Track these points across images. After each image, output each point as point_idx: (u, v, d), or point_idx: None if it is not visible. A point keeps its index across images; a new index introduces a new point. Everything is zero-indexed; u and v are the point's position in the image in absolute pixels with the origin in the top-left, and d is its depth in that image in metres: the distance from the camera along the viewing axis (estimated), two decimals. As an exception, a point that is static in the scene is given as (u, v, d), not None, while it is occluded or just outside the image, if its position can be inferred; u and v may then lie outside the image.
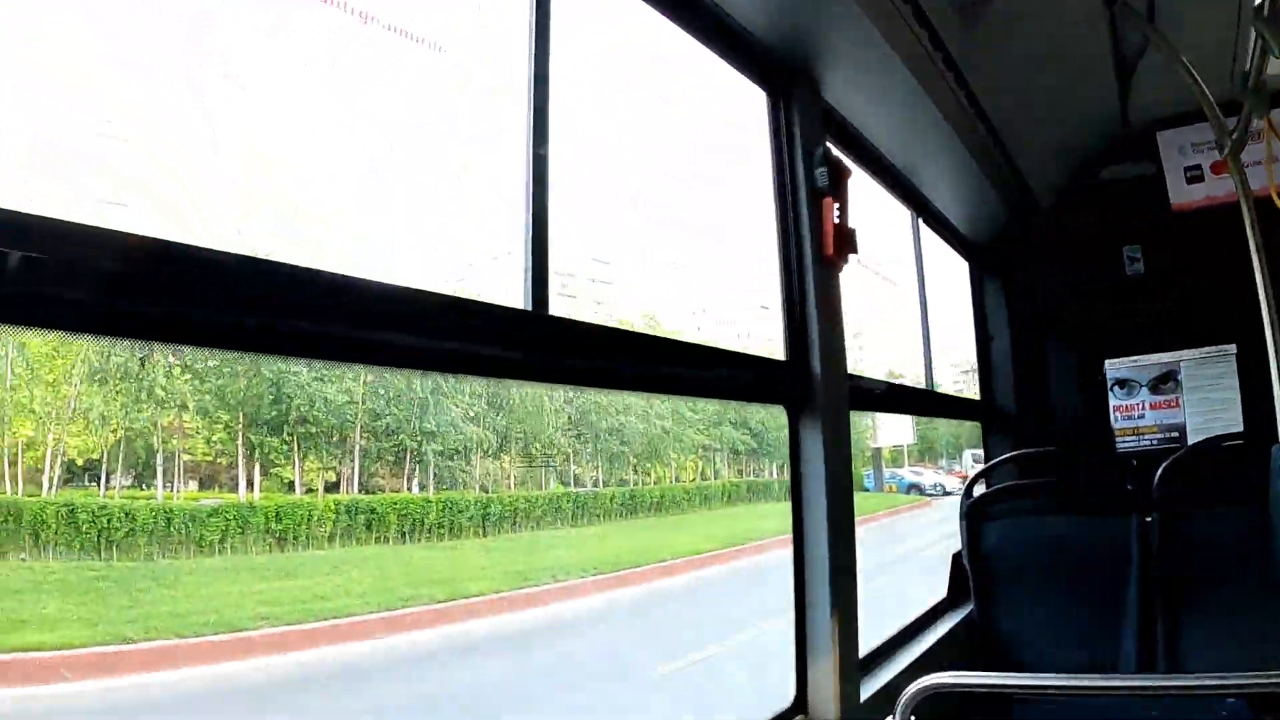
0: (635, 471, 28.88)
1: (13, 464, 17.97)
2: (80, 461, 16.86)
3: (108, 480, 18.59)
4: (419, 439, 18.77)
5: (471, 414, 19.51)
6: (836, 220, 3.76)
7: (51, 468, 16.97)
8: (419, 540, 18.53)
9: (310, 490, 21.22)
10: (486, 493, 20.51)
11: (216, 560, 15.02)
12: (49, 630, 9.73)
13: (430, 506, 19.28)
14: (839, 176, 3.78)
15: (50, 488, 15.91)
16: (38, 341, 17.38)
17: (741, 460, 34.23)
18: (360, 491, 19.85)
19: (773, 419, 31.98)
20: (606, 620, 12.77)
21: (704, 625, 11.14)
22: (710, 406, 30.31)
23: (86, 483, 20.86)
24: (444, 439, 19.02)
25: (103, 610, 10.64)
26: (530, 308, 2.60)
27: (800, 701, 3.65)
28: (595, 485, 28.62)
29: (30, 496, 14.84)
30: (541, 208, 2.66)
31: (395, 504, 18.73)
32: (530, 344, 2.55)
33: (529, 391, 20.80)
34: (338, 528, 17.35)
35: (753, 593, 14.70)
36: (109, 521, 14.72)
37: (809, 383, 3.81)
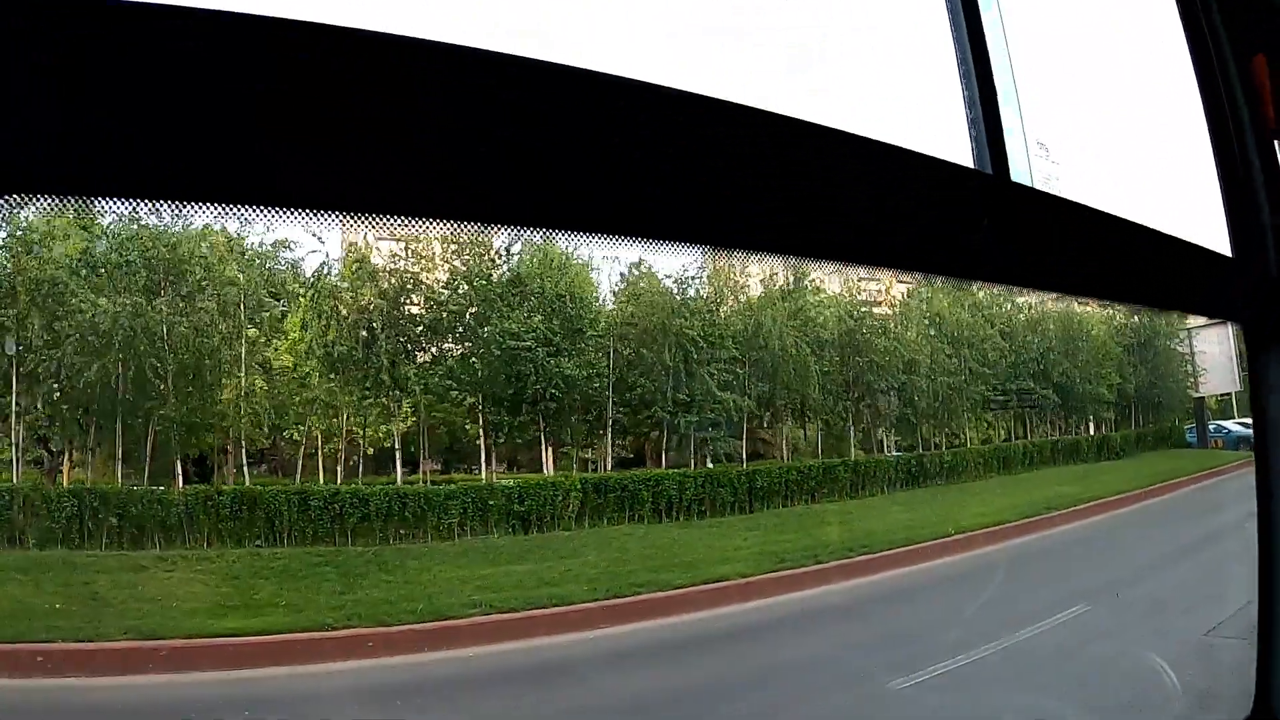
0: (923, 434, 25.37)
1: (309, 455, 19.50)
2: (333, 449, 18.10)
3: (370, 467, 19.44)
4: (673, 410, 17.37)
5: (728, 380, 17.66)
6: (1275, 81, 3.09)
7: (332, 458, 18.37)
8: (677, 518, 16.71)
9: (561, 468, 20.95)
10: (748, 464, 18.80)
11: (450, 544, 14.36)
12: (253, 615, 9.75)
13: (690, 481, 18.00)
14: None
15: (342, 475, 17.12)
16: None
17: (1046, 417, 28.98)
18: (615, 467, 19.13)
19: (1079, 368, 27.04)
20: (857, 615, 10.33)
21: (970, 630, 8.26)
22: (1007, 358, 25.74)
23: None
24: (700, 409, 17.44)
25: (314, 596, 10.59)
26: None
27: (1264, 708, 2.94)
28: (876, 450, 25.81)
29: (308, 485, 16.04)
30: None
31: (649, 480, 17.00)
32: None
33: (791, 351, 18.42)
34: (587, 507, 15.97)
35: (1042, 575, 11.49)
36: (342, 508, 14.61)
37: (1273, 291, 2.96)
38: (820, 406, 19.69)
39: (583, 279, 17.78)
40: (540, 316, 15.46)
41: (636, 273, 18.56)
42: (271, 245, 16.42)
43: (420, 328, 15.21)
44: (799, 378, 17.96)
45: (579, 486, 16.27)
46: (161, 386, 15.03)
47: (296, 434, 21.47)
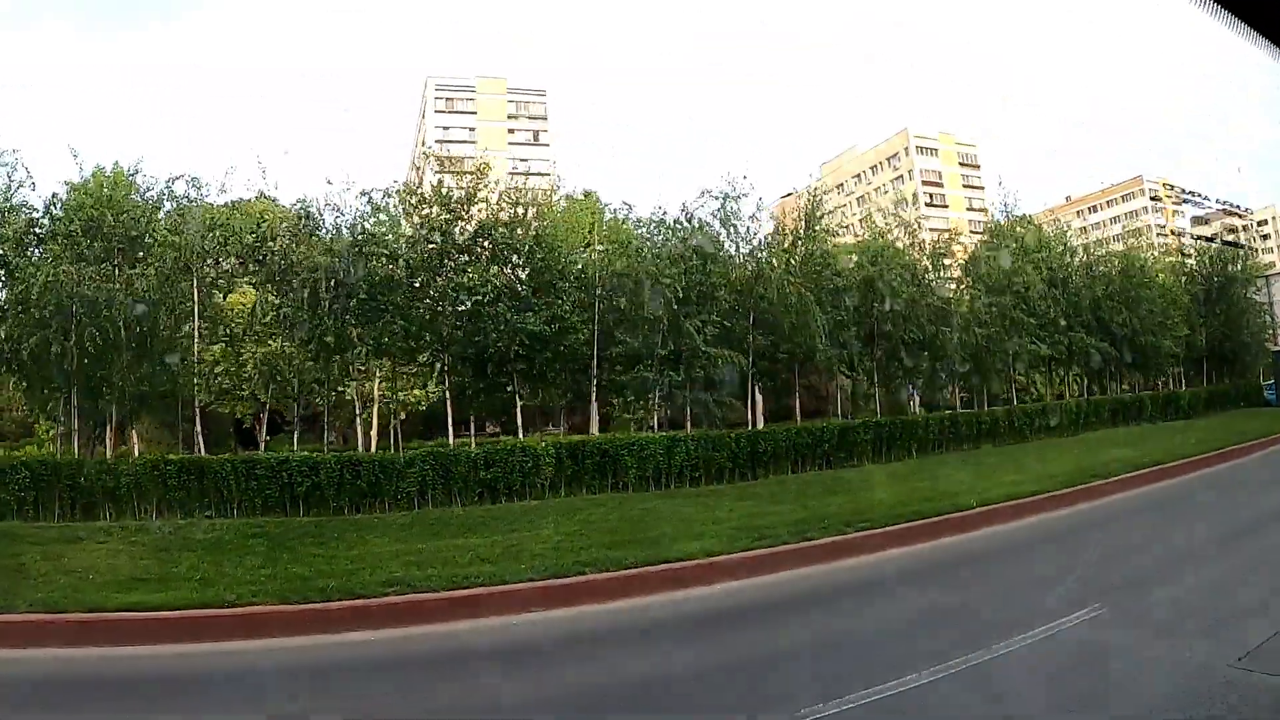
0: (959, 391, 22.90)
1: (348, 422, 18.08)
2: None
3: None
4: (659, 368, 15.48)
5: (719, 334, 15.66)
6: None
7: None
8: (665, 486, 14.92)
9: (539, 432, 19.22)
10: (738, 429, 16.85)
11: (404, 515, 13.20)
12: (161, 589, 8.48)
13: (680, 445, 15.96)
14: None
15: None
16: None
17: (1108, 373, 26.07)
18: (601, 430, 17.30)
19: (1142, 319, 24.07)
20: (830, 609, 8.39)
21: (918, 646, 6.19)
22: (1058, 305, 23.02)
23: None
24: (688, 366, 15.49)
25: (232, 570, 9.32)
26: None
27: None
28: (899, 412, 23.31)
29: (212, 455, 14.88)
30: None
31: (632, 445, 15.01)
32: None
33: (793, 299, 16.26)
34: (562, 475, 14.52)
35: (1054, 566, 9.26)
36: (290, 476, 13.61)
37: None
38: (833, 360, 17.58)
39: (569, 226, 16.09)
40: (497, 268, 13.85)
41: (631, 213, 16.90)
42: (228, 206, 15.29)
43: (373, 287, 13.79)
44: (800, 330, 15.90)
45: (552, 452, 14.68)
46: (115, 356, 14.12)
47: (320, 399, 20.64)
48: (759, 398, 17.93)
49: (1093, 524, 12.04)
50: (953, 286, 20.71)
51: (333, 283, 13.70)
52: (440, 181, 15.23)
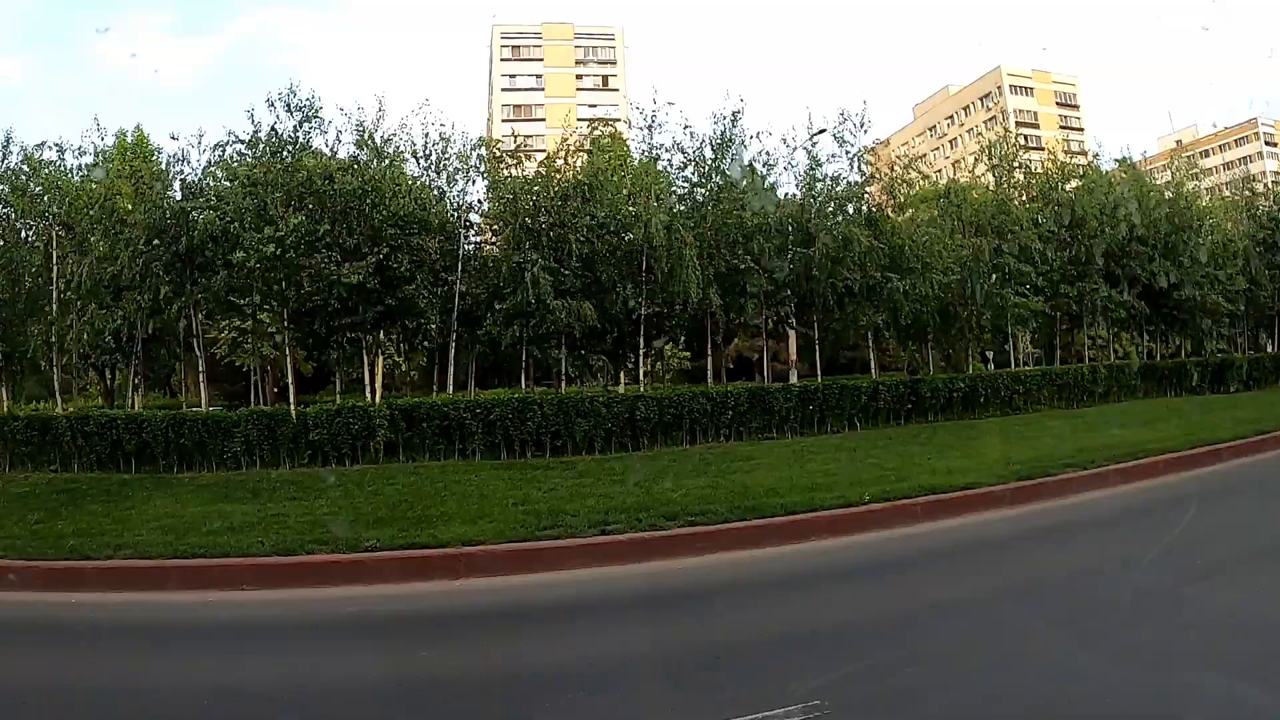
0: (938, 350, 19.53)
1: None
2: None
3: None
4: (513, 323, 13.71)
5: (567, 282, 13.80)
6: None
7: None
8: (522, 455, 13.27)
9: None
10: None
11: (214, 475, 12.50)
12: None
13: (532, 411, 13.45)
14: None
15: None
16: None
17: (1143, 332, 21.48)
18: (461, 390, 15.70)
19: (1184, 269, 18.88)
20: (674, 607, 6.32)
21: None
22: (1067, 250, 19.01)
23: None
24: (542, 316, 13.53)
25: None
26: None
27: None
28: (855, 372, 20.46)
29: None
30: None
31: (477, 408, 13.40)
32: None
33: (660, 239, 13.90)
34: (400, 438, 13.20)
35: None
36: (117, 434, 13.19)
37: None
38: (719, 312, 15.06)
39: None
40: (303, 217, 12.66)
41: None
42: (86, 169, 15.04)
43: (194, 242, 13.06)
44: (675, 276, 13.68)
45: (386, 413, 13.52)
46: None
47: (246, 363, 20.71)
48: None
49: (1016, 539, 9.06)
50: (932, 230, 17.54)
51: (154, 241, 13.13)
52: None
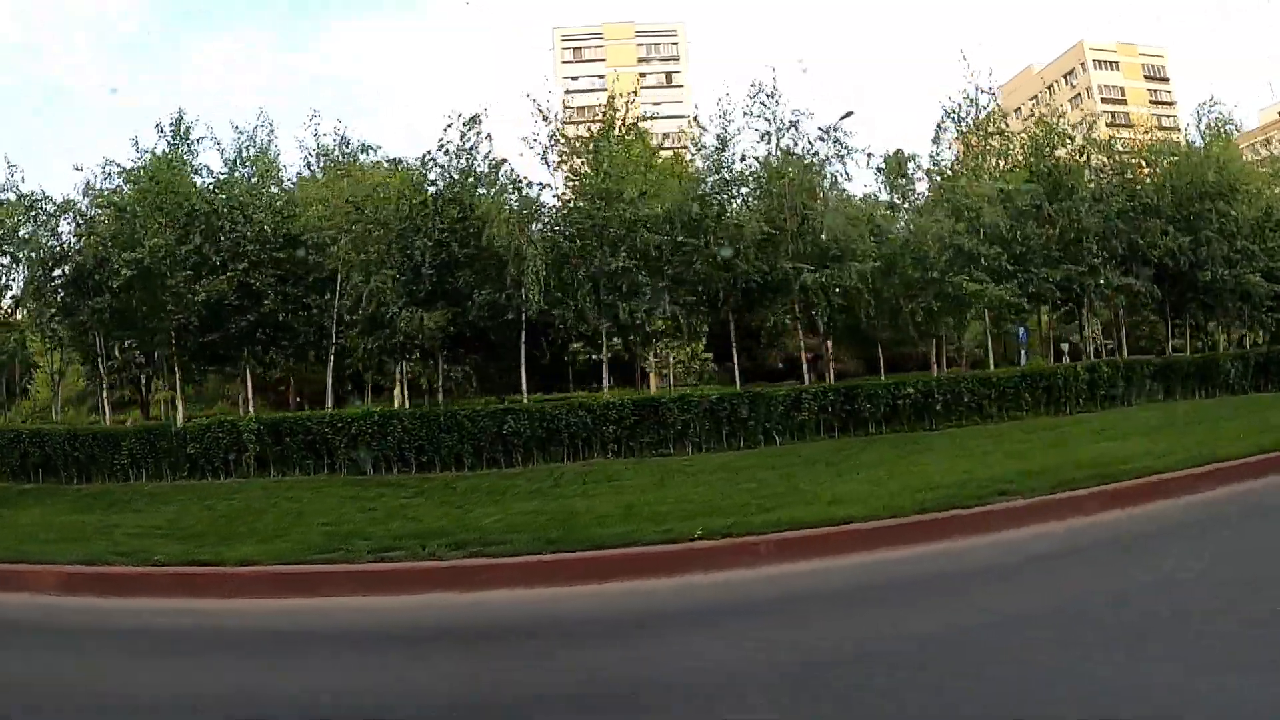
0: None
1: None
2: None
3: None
4: (367, 335, 13.04)
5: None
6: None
7: None
8: (389, 471, 12.81)
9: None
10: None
11: (88, 488, 12.77)
12: None
13: (392, 425, 12.64)
14: None
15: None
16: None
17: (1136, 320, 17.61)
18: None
19: (1207, 244, 15.06)
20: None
21: None
22: (1053, 226, 15.98)
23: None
24: (391, 326, 12.76)
25: None
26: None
27: None
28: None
29: None
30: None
31: (336, 422, 13.00)
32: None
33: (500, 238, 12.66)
34: (269, 452, 12.98)
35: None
36: (24, 447, 13.97)
37: None
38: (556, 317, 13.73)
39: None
40: (160, 239, 12.76)
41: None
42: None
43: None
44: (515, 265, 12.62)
45: (254, 428, 13.46)
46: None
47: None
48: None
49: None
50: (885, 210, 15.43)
51: (50, 264, 13.80)
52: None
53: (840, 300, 14.21)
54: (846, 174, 15.06)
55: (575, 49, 53.66)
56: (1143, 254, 15.64)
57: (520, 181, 13.63)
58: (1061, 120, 16.40)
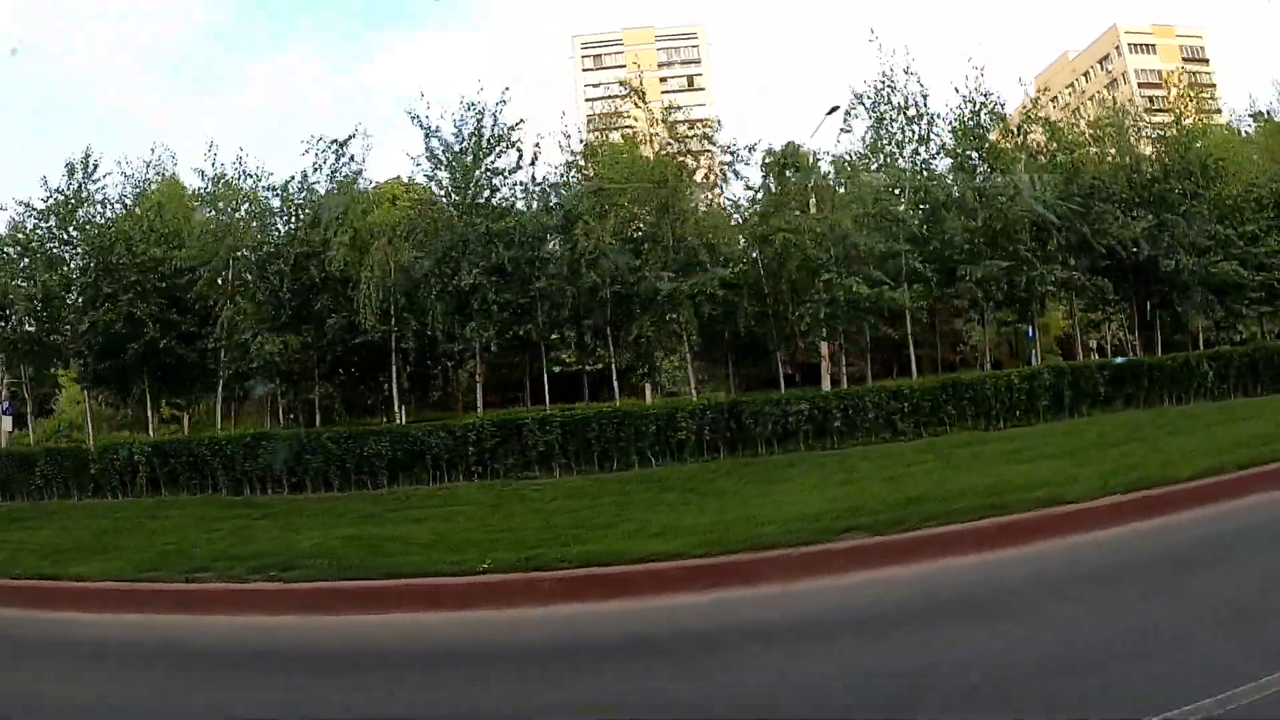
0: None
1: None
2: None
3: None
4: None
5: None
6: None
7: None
8: (253, 491, 12.92)
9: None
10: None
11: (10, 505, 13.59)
12: None
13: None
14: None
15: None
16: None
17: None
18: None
19: (1169, 226, 12.57)
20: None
21: None
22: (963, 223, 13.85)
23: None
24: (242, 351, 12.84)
25: None
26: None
27: None
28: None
29: None
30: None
31: (218, 444, 13.22)
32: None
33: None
34: (160, 474, 13.40)
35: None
36: None
37: None
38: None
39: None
40: (49, 273, 13.59)
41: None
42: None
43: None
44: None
45: (145, 452, 13.99)
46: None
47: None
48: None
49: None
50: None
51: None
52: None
53: (713, 309, 13.11)
54: (734, 174, 13.87)
55: (595, 56, 53.39)
56: (1087, 244, 13.46)
57: (372, 200, 13.54)
58: (992, 98, 14.35)
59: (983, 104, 14.10)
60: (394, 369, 13.94)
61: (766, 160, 14.07)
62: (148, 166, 15.32)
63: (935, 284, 13.50)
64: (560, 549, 7.33)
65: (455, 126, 13.58)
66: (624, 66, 51.15)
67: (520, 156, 13.70)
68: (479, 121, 13.63)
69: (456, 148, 13.65)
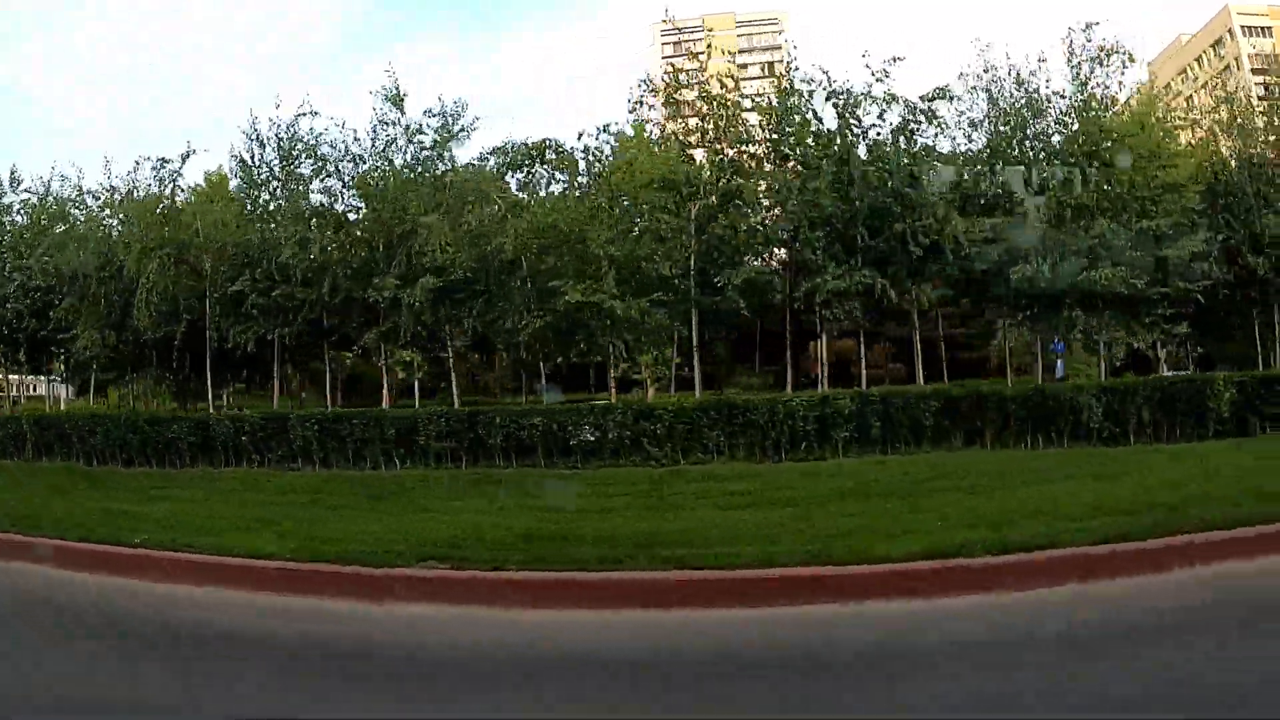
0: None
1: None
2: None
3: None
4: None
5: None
6: None
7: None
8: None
9: None
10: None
11: None
12: None
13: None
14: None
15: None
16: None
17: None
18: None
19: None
20: None
21: None
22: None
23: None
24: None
25: None
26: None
27: None
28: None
29: None
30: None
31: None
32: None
33: None
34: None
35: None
36: None
37: None
38: None
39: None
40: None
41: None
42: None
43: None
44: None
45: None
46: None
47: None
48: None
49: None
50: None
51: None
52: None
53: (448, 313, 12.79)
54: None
55: (675, 43, 51.64)
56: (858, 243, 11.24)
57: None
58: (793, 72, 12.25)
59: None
60: (208, 360, 15.19)
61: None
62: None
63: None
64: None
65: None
66: (703, 53, 50.02)
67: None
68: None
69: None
